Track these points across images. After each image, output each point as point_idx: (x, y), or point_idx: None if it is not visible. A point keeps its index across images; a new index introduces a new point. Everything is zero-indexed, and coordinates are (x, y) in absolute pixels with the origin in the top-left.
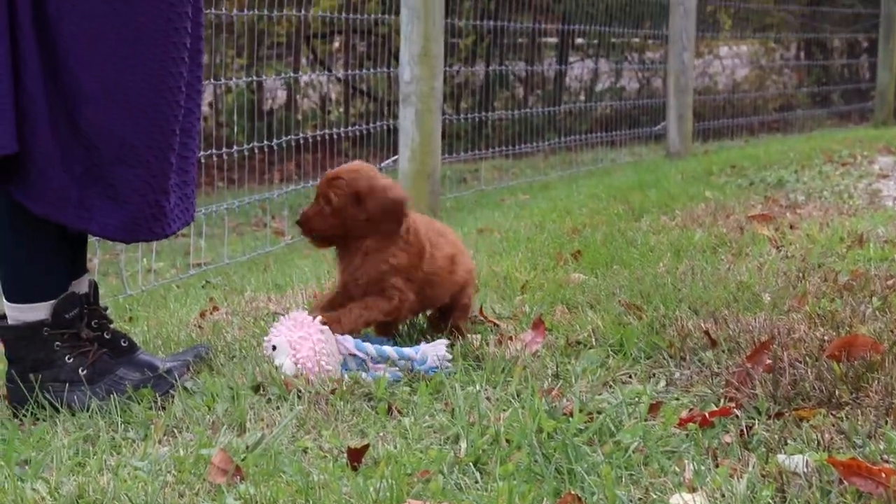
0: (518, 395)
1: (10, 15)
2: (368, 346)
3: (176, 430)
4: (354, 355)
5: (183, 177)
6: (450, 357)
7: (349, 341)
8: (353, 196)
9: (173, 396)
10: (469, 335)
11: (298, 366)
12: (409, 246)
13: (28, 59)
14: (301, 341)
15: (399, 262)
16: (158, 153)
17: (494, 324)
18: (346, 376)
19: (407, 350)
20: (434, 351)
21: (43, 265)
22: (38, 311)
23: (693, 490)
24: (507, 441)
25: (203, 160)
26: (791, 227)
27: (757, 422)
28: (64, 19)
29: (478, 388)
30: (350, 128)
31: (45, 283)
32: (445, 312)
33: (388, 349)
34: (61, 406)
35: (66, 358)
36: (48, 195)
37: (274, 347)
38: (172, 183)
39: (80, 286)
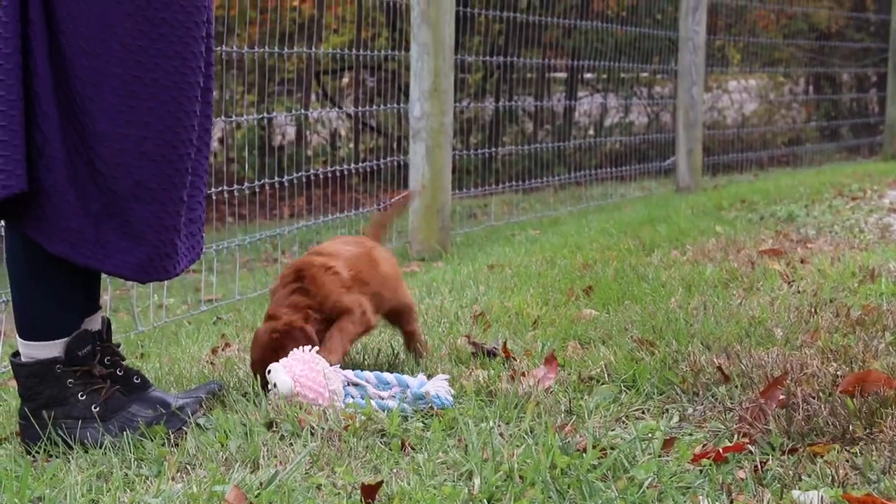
0: (531, 431)
1: (25, 54)
2: (368, 375)
3: (189, 467)
4: (355, 384)
5: (190, 214)
6: (452, 392)
7: (347, 372)
8: None
9: (186, 433)
10: (479, 371)
11: (297, 394)
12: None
13: (43, 98)
14: (300, 372)
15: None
16: (171, 191)
17: (509, 356)
18: (347, 405)
19: (407, 378)
20: (434, 386)
21: (57, 303)
22: (51, 349)
23: None
24: (521, 477)
25: (213, 196)
26: (802, 261)
27: (771, 457)
28: (79, 59)
29: (491, 424)
30: (360, 164)
31: (58, 321)
32: (396, 319)
33: (388, 376)
34: (74, 443)
35: (79, 395)
36: (64, 234)
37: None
38: (183, 221)
39: (93, 323)
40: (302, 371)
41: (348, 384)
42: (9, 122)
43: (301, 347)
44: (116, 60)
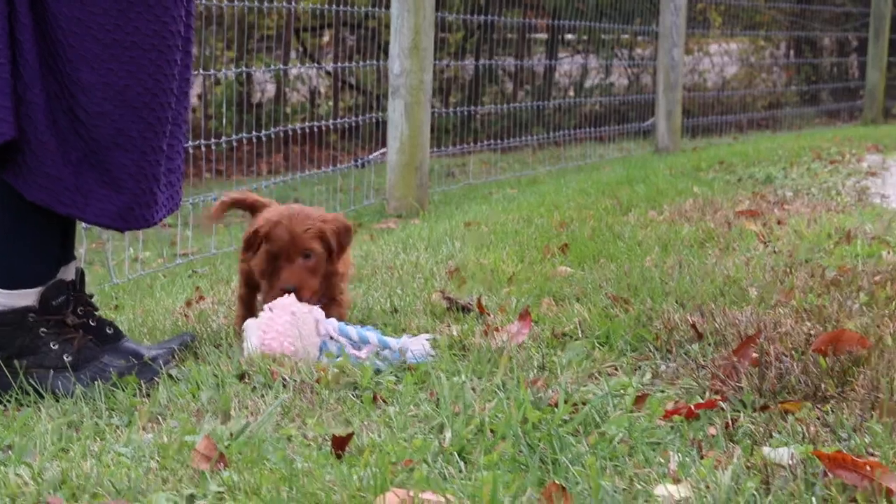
0: (503, 386)
1: (8, 4)
2: (351, 330)
3: (160, 417)
4: (335, 339)
5: (169, 164)
6: (432, 353)
7: (332, 324)
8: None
9: (158, 384)
10: (453, 325)
11: (263, 347)
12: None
13: (25, 48)
14: (269, 323)
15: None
16: (152, 140)
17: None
18: (324, 359)
19: (389, 339)
20: (414, 345)
21: (33, 252)
22: (25, 298)
23: (677, 481)
24: (492, 431)
25: (191, 151)
26: (779, 222)
27: (742, 414)
28: (61, 8)
29: (463, 378)
30: (338, 120)
31: (34, 270)
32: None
33: (371, 335)
34: (46, 392)
35: (52, 344)
36: (44, 181)
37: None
38: (162, 170)
39: (68, 273)
40: (280, 329)
41: (329, 338)
42: None
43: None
44: (99, 9)
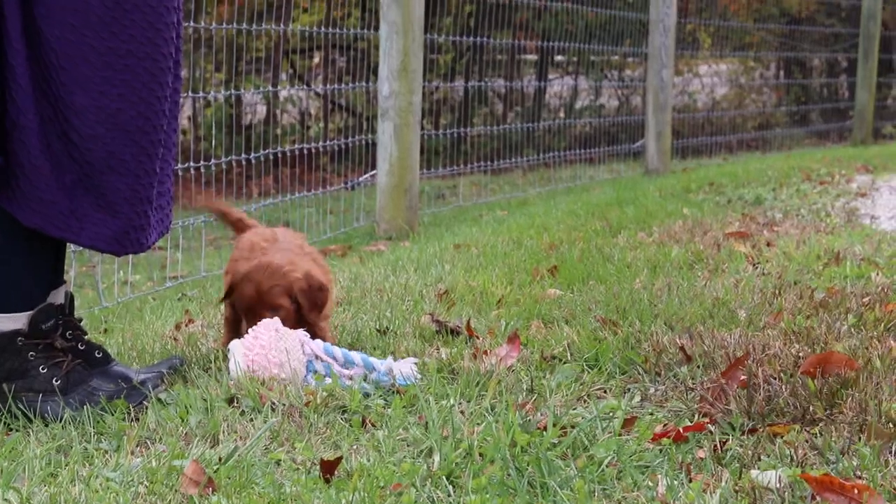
0: (492, 409)
1: (0, 29)
2: (336, 351)
3: (149, 442)
4: (321, 359)
5: (160, 187)
6: (418, 376)
7: (317, 344)
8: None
9: (147, 408)
10: (441, 348)
11: (249, 364)
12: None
13: (18, 72)
14: (253, 341)
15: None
16: (145, 163)
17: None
18: (312, 380)
19: (374, 360)
20: (400, 367)
21: (24, 276)
22: (15, 321)
23: None
24: (481, 455)
25: (181, 173)
26: (768, 244)
27: (731, 437)
28: (54, 31)
29: (452, 401)
30: (328, 142)
31: (24, 294)
32: None
33: (355, 356)
34: (34, 416)
35: (41, 368)
36: (38, 206)
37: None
38: (154, 193)
39: (57, 297)
40: (264, 344)
41: (315, 358)
42: None
43: (273, 319)
44: (91, 32)
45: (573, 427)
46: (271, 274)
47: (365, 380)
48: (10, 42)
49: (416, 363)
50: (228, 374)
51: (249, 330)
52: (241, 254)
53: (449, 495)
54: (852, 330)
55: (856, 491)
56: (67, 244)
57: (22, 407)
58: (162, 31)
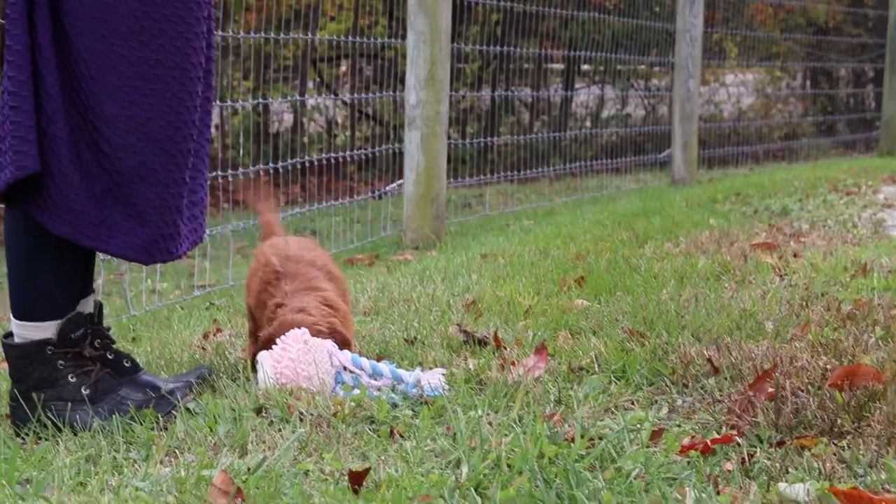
0: (520, 420)
1: (31, 37)
2: (364, 362)
3: (178, 451)
4: (349, 370)
5: (192, 197)
6: (446, 387)
7: (345, 355)
8: None
9: (175, 417)
10: (469, 359)
11: (277, 375)
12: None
13: (48, 81)
14: (282, 353)
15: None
16: (175, 172)
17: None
18: (340, 391)
19: (402, 372)
20: (428, 378)
21: (53, 285)
22: (44, 330)
23: None
24: (509, 466)
25: (209, 181)
26: (795, 255)
27: (758, 450)
28: (84, 41)
29: (480, 412)
30: (355, 151)
31: (53, 303)
32: None
33: (383, 367)
34: (64, 425)
35: (70, 377)
36: (68, 215)
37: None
38: (185, 202)
39: (86, 306)
40: (293, 357)
41: (343, 369)
42: (20, 104)
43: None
44: (120, 42)
45: (601, 439)
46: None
47: (393, 390)
48: (41, 51)
49: (444, 374)
50: (257, 385)
51: (278, 341)
52: (256, 267)
53: None
54: (879, 342)
55: None
56: (96, 253)
57: (51, 416)
58: (191, 41)
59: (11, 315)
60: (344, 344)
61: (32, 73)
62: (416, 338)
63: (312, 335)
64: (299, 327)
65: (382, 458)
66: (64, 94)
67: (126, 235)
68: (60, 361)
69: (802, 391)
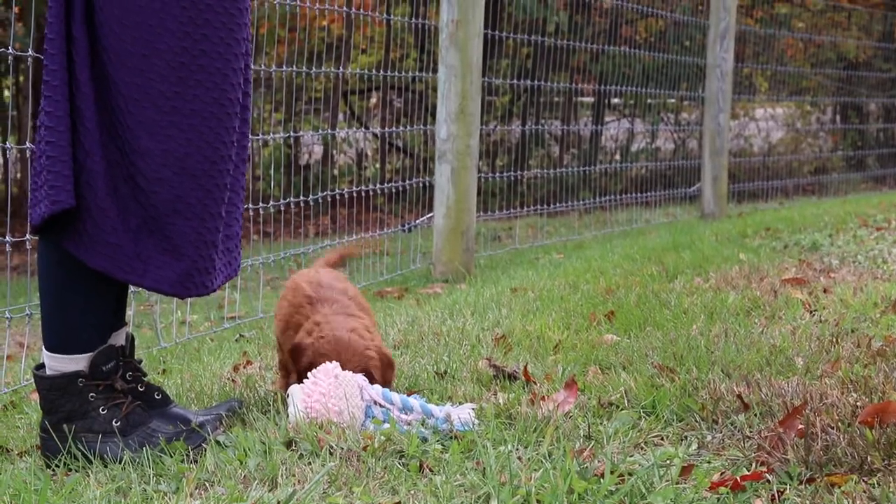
0: (549, 456)
1: (69, 72)
2: (395, 396)
3: (208, 484)
4: (380, 405)
5: (227, 230)
6: (476, 421)
7: (376, 390)
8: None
9: (205, 450)
10: (499, 393)
11: (308, 409)
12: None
13: (86, 115)
14: (313, 387)
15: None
16: (212, 206)
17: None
18: (370, 425)
19: (432, 406)
20: (458, 412)
21: (86, 318)
22: (76, 363)
23: None
24: (538, 501)
25: None
26: (825, 291)
27: (788, 487)
28: (121, 75)
29: (509, 447)
30: (385, 184)
31: (85, 336)
32: None
33: (414, 402)
34: (94, 457)
35: (101, 409)
36: (104, 249)
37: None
38: (221, 236)
39: (118, 339)
40: (324, 391)
41: (373, 403)
42: (57, 139)
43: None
44: (158, 77)
45: (630, 475)
46: (352, 352)
47: (423, 425)
48: (79, 86)
49: (473, 409)
50: (287, 418)
51: (309, 374)
52: (285, 294)
53: None
54: None
55: None
56: (128, 286)
57: (82, 448)
58: (229, 77)
59: (44, 347)
60: (389, 367)
61: (70, 108)
62: (446, 371)
63: (361, 356)
64: (352, 344)
65: (412, 492)
66: (101, 129)
67: (160, 269)
68: (92, 394)
69: (832, 428)
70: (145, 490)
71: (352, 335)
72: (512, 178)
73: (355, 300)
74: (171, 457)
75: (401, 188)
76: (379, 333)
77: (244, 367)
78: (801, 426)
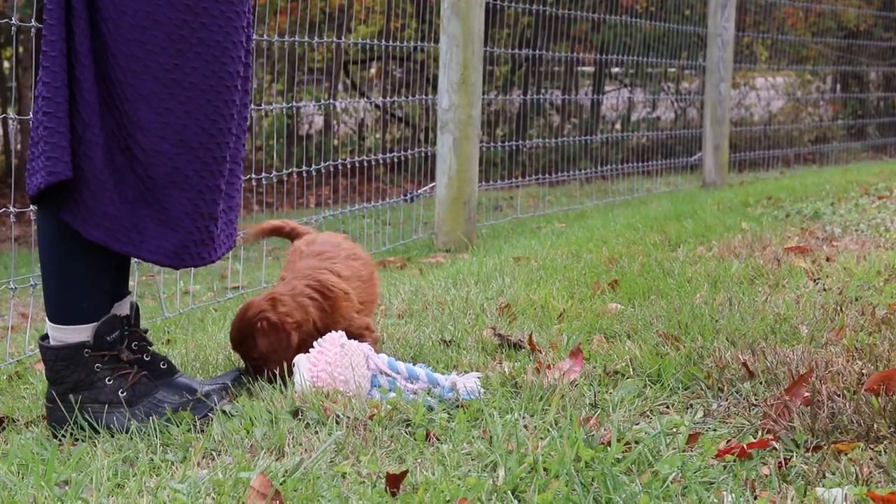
0: (556, 424)
1: (68, 42)
2: (400, 365)
3: (214, 453)
4: (385, 374)
5: (228, 202)
6: (482, 390)
7: (381, 359)
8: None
9: (212, 419)
10: (504, 362)
11: (313, 379)
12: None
13: (85, 87)
14: (319, 356)
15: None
16: (210, 179)
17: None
18: (376, 394)
19: (437, 375)
20: (464, 381)
21: (88, 288)
22: (80, 333)
23: None
24: (545, 470)
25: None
26: (828, 259)
27: (795, 454)
28: (121, 48)
29: (516, 416)
30: (386, 154)
31: (88, 306)
32: None
33: (419, 370)
34: (100, 427)
35: (107, 379)
36: (101, 220)
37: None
38: (220, 209)
39: (122, 308)
40: (329, 360)
41: (379, 372)
42: (55, 109)
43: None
44: (158, 49)
45: (637, 443)
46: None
47: (429, 394)
48: (79, 58)
49: (479, 377)
50: (294, 389)
51: (315, 343)
52: (290, 257)
53: None
54: None
55: None
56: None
57: (88, 418)
58: (229, 50)
59: (47, 318)
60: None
61: (68, 79)
62: (451, 340)
63: (269, 325)
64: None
65: (419, 461)
66: (100, 100)
67: (157, 240)
68: (97, 364)
69: (838, 396)
70: (152, 460)
71: (265, 303)
72: (513, 148)
73: (349, 251)
74: (178, 426)
75: (402, 158)
76: (376, 282)
77: None
78: (806, 394)
